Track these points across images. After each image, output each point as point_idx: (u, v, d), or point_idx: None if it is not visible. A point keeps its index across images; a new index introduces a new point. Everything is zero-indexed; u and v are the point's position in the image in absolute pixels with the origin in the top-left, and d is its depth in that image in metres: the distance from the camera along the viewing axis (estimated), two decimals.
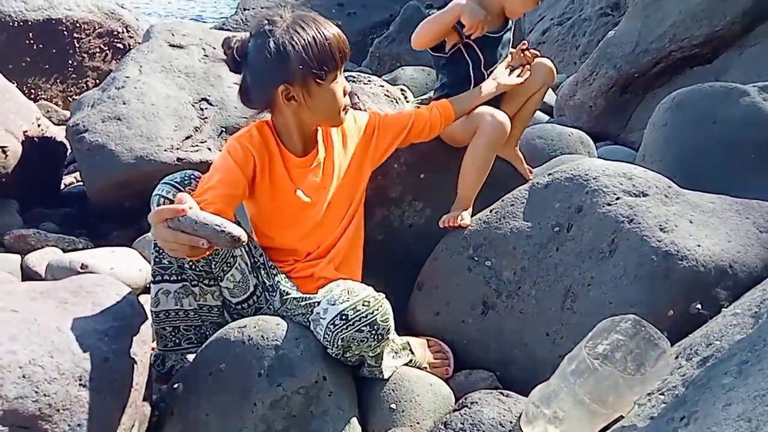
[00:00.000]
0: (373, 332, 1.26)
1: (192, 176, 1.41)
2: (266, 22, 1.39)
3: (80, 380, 0.94)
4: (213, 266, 1.42)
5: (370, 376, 1.41)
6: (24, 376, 0.88)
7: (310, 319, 1.35)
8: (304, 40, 1.36)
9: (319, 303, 1.32)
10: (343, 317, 1.25)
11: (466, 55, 1.82)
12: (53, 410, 0.89)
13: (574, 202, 1.59)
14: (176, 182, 1.36)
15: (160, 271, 1.41)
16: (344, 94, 1.47)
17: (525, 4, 1.87)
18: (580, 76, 3.72)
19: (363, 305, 1.26)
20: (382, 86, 2.06)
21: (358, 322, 1.25)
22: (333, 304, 1.27)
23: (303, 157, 1.53)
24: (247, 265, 1.46)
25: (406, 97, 3.91)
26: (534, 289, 1.57)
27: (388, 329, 1.29)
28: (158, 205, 1.32)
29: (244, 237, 1.11)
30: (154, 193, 1.35)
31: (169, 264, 1.39)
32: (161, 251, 1.38)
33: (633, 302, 1.39)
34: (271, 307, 1.49)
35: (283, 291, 1.47)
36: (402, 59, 6.75)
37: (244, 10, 8.32)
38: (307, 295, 1.41)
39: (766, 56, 3.00)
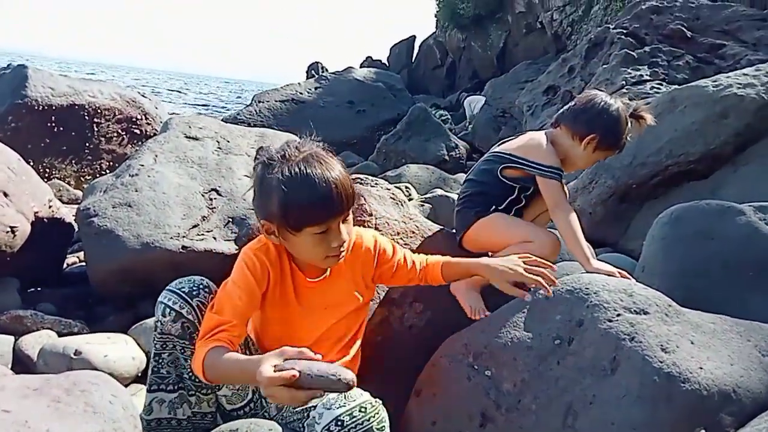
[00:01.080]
0: None
1: (201, 286, 1.39)
2: (278, 154, 1.37)
3: None
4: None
5: None
6: None
7: (305, 424, 1.32)
8: (293, 188, 1.31)
9: (315, 407, 1.30)
10: (339, 422, 1.22)
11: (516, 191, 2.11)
12: None
13: (575, 315, 1.59)
14: (184, 293, 1.36)
15: (157, 381, 1.39)
16: (339, 241, 1.39)
17: (586, 164, 2.09)
18: (579, 183, 3.83)
19: (360, 411, 1.23)
20: (388, 189, 2.13)
21: (353, 429, 1.22)
22: (329, 409, 1.25)
23: (313, 277, 1.53)
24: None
25: (410, 196, 4.02)
26: (534, 403, 1.53)
27: None
28: (163, 315, 1.33)
29: (355, 380, 1.15)
30: (159, 300, 1.36)
31: (167, 374, 1.38)
32: (160, 360, 1.36)
33: (636, 424, 1.36)
34: (266, 413, 1.46)
35: None
36: (407, 156, 7.01)
37: (259, 102, 8.73)
38: None
39: (760, 175, 3.11)
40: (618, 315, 1.55)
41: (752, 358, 1.51)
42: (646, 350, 1.46)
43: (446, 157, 7.02)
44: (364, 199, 2.00)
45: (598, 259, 3.16)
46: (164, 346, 1.34)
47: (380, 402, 1.29)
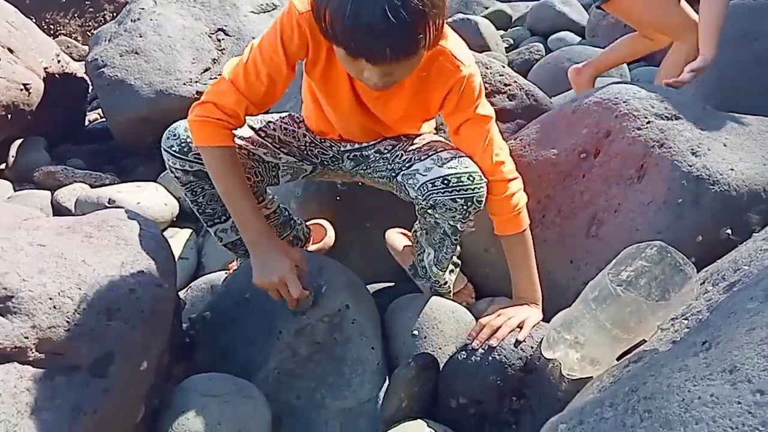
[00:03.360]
0: (465, 207, 1.24)
1: (189, 140, 1.25)
2: None
3: (108, 311, 0.97)
4: (262, 183, 1.40)
5: (431, 287, 1.47)
6: (55, 307, 0.91)
7: (403, 172, 1.31)
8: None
9: (421, 159, 1.28)
10: (445, 182, 1.22)
11: None
12: (85, 339, 0.92)
13: (602, 127, 1.53)
14: (175, 152, 1.26)
15: (208, 218, 1.39)
16: (370, 84, 1.12)
17: None
18: None
19: (468, 179, 1.23)
20: None
21: (457, 193, 1.23)
22: (440, 166, 1.24)
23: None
24: (294, 163, 1.42)
25: None
26: (558, 217, 1.54)
27: (478, 210, 1.27)
28: (173, 173, 1.30)
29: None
30: (166, 164, 1.31)
31: (213, 210, 1.37)
32: (199, 202, 1.35)
33: (661, 228, 1.36)
34: (341, 169, 1.48)
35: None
36: None
37: None
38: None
39: None
40: (648, 122, 1.48)
41: None
42: (676, 155, 1.40)
43: None
44: None
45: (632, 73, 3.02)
46: (194, 192, 1.34)
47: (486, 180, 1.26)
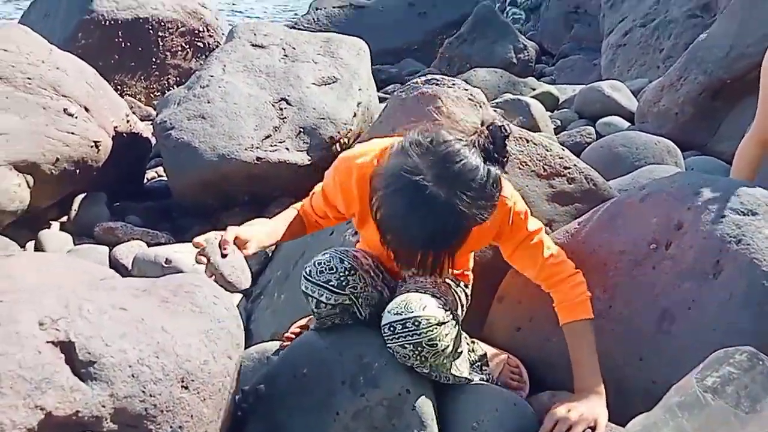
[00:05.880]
0: (416, 352, 1.22)
1: (348, 271, 1.29)
2: (423, 142, 1.14)
3: (183, 381, 0.96)
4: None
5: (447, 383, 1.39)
6: (133, 376, 0.90)
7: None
8: (392, 198, 1.13)
9: (393, 298, 1.30)
10: (391, 328, 1.23)
11: None
12: (158, 411, 0.91)
13: (674, 218, 1.50)
14: (333, 287, 1.27)
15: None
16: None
17: None
18: (665, 81, 3.55)
19: (413, 324, 1.21)
20: (466, 89, 2.03)
21: (403, 339, 1.22)
22: (389, 312, 1.25)
23: None
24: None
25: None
26: (627, 309, 1.49)
27: (435, 353, 1.24)
28: (317, 308, 1.29)
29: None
30: (305, 293, 1.29)
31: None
32: (324, 321, 1.35)
33: (741, 330, 1.30)
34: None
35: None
36: (472, 60, 6.66)
37: (317, 9, 8.45)
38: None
39: None
40: (722, 217, 1.45)
41: None
42: (755, 253, 1.36)
43: (514, 60, 6.64)
44: (442, 101, 1.91)
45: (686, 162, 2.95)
46: (323, 321, 1.35)
47: (449, 319, 1.26)
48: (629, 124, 3.81)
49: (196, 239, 1.24)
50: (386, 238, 1.18)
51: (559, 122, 4.18)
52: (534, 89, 5.04)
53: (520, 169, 1.90)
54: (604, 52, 5.34)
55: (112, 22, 4.41)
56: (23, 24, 3.78)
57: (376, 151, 1.29)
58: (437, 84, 1.99)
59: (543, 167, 1.91)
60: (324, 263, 1.29)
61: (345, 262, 1.29)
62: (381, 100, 5.21)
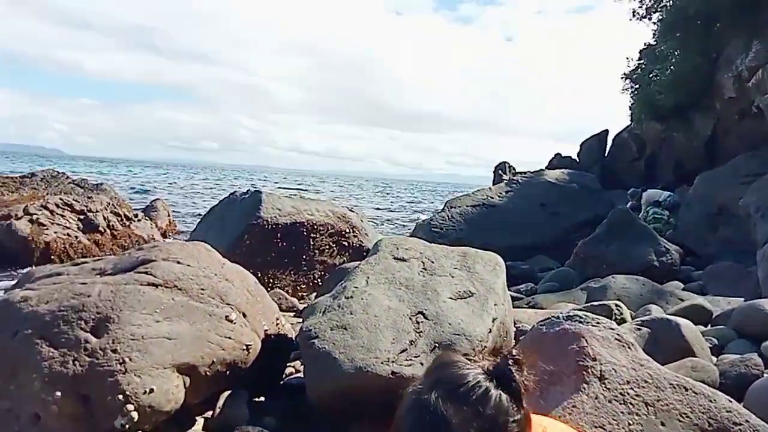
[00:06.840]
0: None
1: None
2: (433, 384, 1.16)
3: None
4: None
5: None
6: None
7: None
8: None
9: None
10: None
11: None
12: None
13: None
14: None
15: None
16: None
17: None
18: None
19: None
20: (612, 329, 1.96)
21: None
22: None
23: None
24: None
25: (621, 316, 3.66)
26: None
27: None
28: None
29: None
30: None
31: None
32: None
33: None
34: None
35: None
36: (607, 261, 6.51)
37: (451, 208, 9.00)
38: None
39: None
40: None
41: None
42: None
43: (656, 263, 6.39)
44: (586, 341, 1.86)
45: None
46: None
47: None
48: None
49: None
50: None
51: (715, 341, 3.82)
52: (681, 299, 4.74)
53: (680, 421, 1.74)
54: (760, 264, 4.98)
55: (274, 225, 5.03)
56: (204, 220, 4.42)
57: None
58: (579, 321, 1.96)
59: (707, 421, 1.74)
60: None
61: None
62: (513, 299, 5.15)
